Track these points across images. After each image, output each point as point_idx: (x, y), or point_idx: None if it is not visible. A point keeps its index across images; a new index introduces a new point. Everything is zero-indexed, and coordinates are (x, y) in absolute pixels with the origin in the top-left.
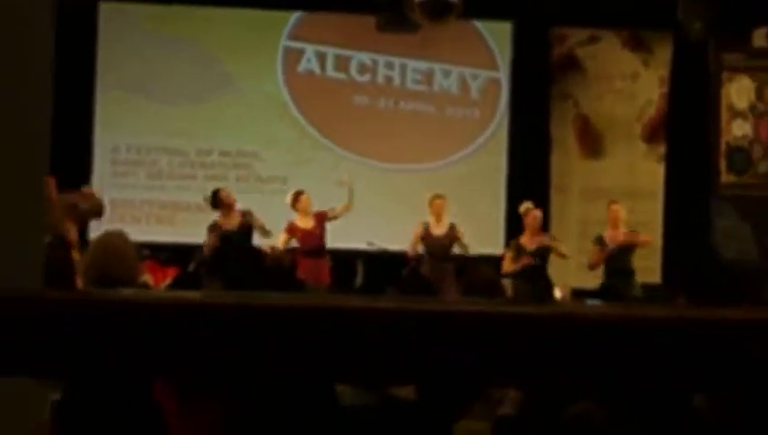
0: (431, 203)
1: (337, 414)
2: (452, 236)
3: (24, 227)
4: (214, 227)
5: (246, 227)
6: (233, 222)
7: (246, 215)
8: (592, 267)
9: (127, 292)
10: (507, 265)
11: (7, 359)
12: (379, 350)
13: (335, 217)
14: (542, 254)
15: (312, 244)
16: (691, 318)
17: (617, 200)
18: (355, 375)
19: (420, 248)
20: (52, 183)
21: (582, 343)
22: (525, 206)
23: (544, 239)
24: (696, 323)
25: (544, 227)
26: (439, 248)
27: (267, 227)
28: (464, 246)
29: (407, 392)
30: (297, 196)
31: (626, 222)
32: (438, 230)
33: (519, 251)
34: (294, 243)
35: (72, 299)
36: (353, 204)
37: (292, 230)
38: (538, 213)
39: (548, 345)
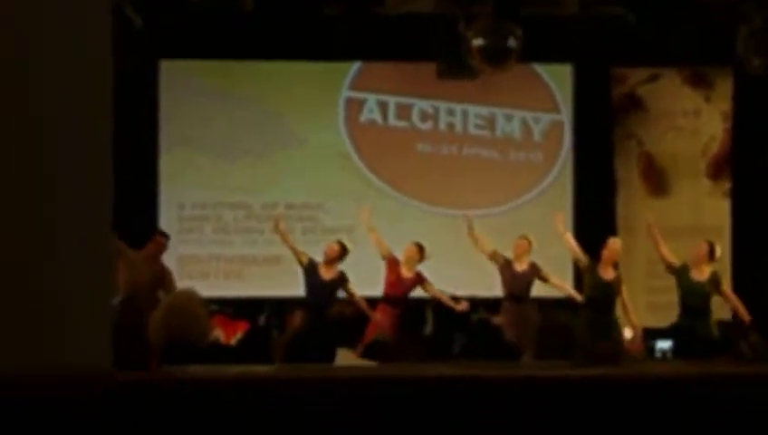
0: (515, 244)
1: None
2: (534, 272)
3: (92, 297)
4: (311, 265)
5: (339, 284)
6: (330, 274)
7: (343, 277)
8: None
9: (197, 369)
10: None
11: None
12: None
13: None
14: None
15: (401, 293)
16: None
17: (710, 241)
18: None
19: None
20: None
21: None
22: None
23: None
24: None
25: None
26: (521, 286)
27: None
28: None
29: None
30: (410, 245)
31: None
32: (520, 267)
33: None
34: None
35: (143, 380)
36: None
37: (392, 265)
38: (616, 246)
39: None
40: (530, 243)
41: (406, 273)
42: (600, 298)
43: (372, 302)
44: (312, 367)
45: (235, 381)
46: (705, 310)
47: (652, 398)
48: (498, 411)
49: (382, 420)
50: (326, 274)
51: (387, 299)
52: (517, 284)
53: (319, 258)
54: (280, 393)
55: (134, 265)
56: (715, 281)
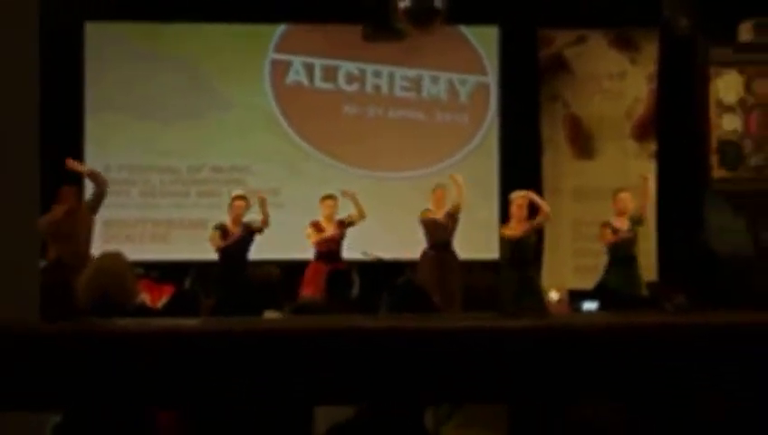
0: (433, 193)
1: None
2: (451, 218)
3: (18, 254)
4: (219, 227)
5: (246, 241)
6: (236, 231)
7: (248, 226)
8: (607, 244)
9: (122, 321)
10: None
11: (6, 393)
12: (372, 368)
13: (352, 224)
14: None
15: (330, 248)
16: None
17: (624, 188)
18: (345, 395)
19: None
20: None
21: (580, 355)
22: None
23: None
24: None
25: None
26: (442, 234)
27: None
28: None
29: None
30: (324, 199)
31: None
32: (440, 216)
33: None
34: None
35: (69, 331)
36: (365, 212)
37: (317, 227)
38: (522, 201)
39: (541, 358)
40: (446, 190)
41: (327, 226)
42: (514, 257)
43: (301, 264)
44: (238, 320)
45: (161, 333)
46: (630, 260)
47: (580, 347)
48: (424, 362)
49: (305, 371)
50: (235, 230)
51: (318, 256)
52: (439, 232)
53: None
54: (206, 345)
55: (58, 224)
56: (635, 220)
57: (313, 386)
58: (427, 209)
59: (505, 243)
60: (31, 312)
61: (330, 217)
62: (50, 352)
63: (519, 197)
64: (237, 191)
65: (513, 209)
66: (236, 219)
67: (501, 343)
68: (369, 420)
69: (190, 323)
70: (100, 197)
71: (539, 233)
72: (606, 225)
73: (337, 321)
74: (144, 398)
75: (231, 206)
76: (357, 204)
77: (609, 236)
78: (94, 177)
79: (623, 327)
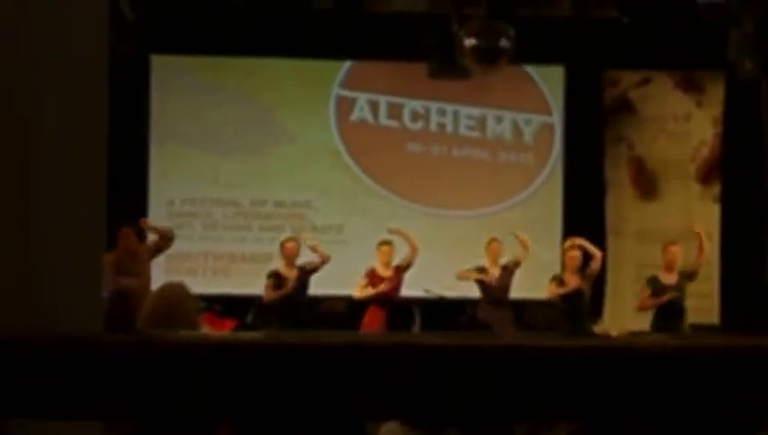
0: (488, 247)
1: None
2: (508, 274)
3: (84, 279)
4: (272, 275)
5: (303, 280)
6: (291, 274)
7: (303, 269)
8: (642, 309)
9: (184, 333)
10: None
11: (66, 402)
12: (431, 386)
13: (409, 267)
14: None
15: (390, 296)
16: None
17: (676, 241)
18: (405, 412)
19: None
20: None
21: (638, 376)
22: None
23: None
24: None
25: (601, 269)
26: (495, 291)
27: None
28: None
29: None
30: (380, 245)
31: (682, 264)
32: (495, 271)
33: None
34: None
35: (131, 342)
36: (417, 246)
37: (372, 276)
38: (573, 252)
39: (603, 378)
40: (501, 244)
41: (384, 272)
42: (569, 306)
43: (360, 304)
44: (301, 334)
45: (222, 344)
46: (677, 311)
47: (644, 367)
48: (489, 381)
49: (363, 387)
50: (289, 273)
51: (375, 301)
52: (493, 291)
53: (308, 257)
54: (265, 358)
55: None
56: (686, 275)
57: (371, 402)
58: (482, 268)
59: (558, 300)
60: (95, 325)
61: (387, 264)
62: (110, 362)
63: (570, 247)
64: (287, 234)
65: (566, 260)
66: (290, 262)
67: (564, 362)
68: None
69: (253, 335)
70: (161, 250)
71: (599, 277)
72: (651, 280)
73: (400, 337)
74: (204, 410)
75: (282, 247)
76: (407, 239)
77: (647, 302)
78: (162, 234)
79: (684, 348)
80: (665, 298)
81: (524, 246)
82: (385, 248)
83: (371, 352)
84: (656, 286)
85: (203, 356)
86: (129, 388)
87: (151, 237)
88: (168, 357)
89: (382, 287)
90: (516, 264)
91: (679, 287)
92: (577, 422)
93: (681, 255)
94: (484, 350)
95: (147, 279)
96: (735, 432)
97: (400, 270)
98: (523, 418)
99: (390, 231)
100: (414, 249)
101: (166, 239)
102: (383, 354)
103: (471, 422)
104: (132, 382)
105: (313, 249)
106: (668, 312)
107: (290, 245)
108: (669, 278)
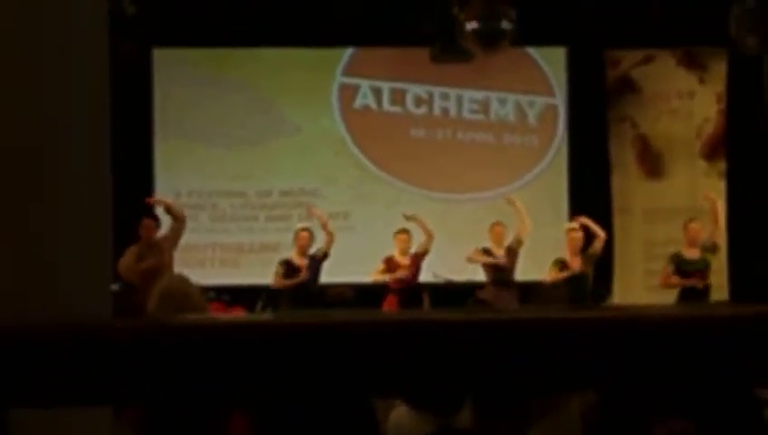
0: (492, 230)
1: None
2: (512, 255)
3: (92, 272)
4: (284, 263)
5: (315, 269)
6: (303, 263)
7: (314, 257)
8: (665, 286)
9: (193, 316)
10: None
11: (77, 387)
12: (439, 361)
13: (426, 254)
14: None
15: (407, 281)
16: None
17: (695, 218)
18: (417, 385)
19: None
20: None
21: (649, 345)
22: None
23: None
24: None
25: (608, 248)
26: (501, 273)
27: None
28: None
29: (465, 422)
30: (397, 234)
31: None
32: (499, 253)
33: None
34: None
35: (141, 326)
36: (432, 232)
37: (390, 263)
38: (575, 233)
39: (610, 348)
40: (505, 228)
41: (402, 260)
42: (573, 288)
43: (371, 286)
44: (312, 313)
45: (233, 326)
46: (700, 291)
47: (655, 336)
48: (498, 355)
49: (382, 362)
50: (301, 262)
51: (393, 289)
52: (499, 273)
53: (318, 244)
54: (277, 338)
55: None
56: (708, 248)
57: (386, 380)
58: (485, 249)
59: (562, 282)
60: (104, 311)
61: (404, 251)
62: (121, 346)
63: (571, 229)
64: (302, 223)
65: (567, 241)
66: (302, 251)
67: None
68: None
69: (264, 316)
70: (178, 233)
71: (606, 254)
72: (674, 256)
73: (412, 314)
74: (215, 392)
75: (296, 237)
76: (423, 225)
77: (671, 279)
78: (171, 209)
79: (693, 317)
80: (692, 280)
81: (516, 208)
82: (402, 236)
83: (385, 328)
84: (679, 262)
85: (216, 339)
86: (139, 372)
87: (165, 224)
88: (179, 341)
89: (400, 274)
90: (519, 242)
91: (704, 262)
92: (588, 394)
93: (701, 230)
94: (493, 324)
95: (169, 267)
96: (749, 403)
97: (418, 257)
98: (536, 391)
99: (407, 217)
100: (430, 236)
101: (179, 220)
102: (396, 330)
103: (485, 399)
104: (142, 367)
105: (324, 226)
106: (692, 294)
107: (304, 234)
108: (693, 253)
